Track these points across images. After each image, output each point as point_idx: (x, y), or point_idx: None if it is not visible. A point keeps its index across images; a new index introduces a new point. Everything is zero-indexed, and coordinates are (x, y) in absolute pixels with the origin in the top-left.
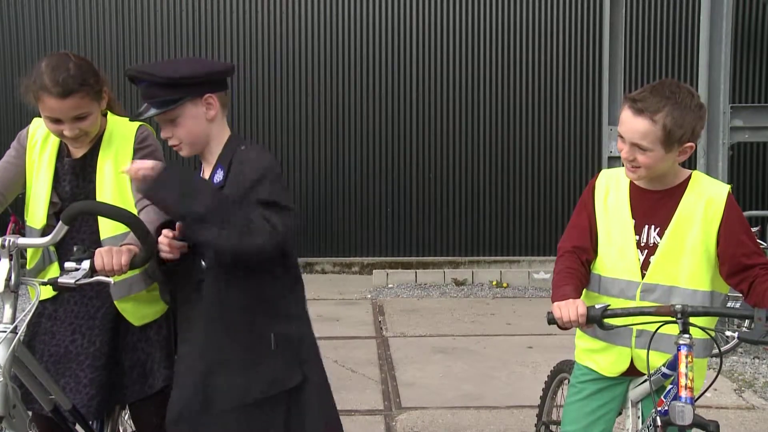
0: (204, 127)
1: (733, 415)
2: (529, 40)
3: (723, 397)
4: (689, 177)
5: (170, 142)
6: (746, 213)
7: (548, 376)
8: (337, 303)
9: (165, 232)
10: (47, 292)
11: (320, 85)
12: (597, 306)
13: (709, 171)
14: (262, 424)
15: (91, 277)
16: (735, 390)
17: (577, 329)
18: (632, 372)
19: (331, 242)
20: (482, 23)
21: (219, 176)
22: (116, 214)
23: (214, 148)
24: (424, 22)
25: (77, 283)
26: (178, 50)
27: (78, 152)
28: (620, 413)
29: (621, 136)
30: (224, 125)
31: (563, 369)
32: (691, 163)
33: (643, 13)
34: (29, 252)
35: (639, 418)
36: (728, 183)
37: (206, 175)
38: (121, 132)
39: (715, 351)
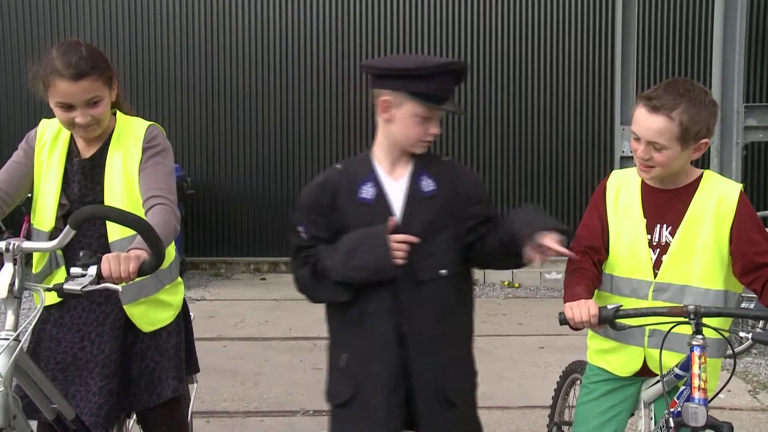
0: None
1: (747, 416)
2: (541, 40)
3: (737, 398)
4: (701, 176)
5: (434, 138)
6: (760, 213)
7: (560, 377)
8: None
9: (397, 237)
10: (52, 298)
11: (332, 86)
12: (609, 306)
13: (723, 171)
14: (469, 425)
15: (98, 283)
16: (749, 391)
17: (589, 330)
18: (645, 372)
19: None
20: (494, 22)
21: (430, 185)
22: (126, 219)
23: (397, 146)
24: (435, 20)
25: (84, 290)
26: (184, 48)
27: (87, 152)
28: (633, 414)
29: (635, 136)
30: None
31: (575, 369)
32: (704, 163)
33: (656, 12)
34: (35, 256)
35: (652, 419)
36: (741, 183)
37: (397, 175)
38: (130, 131)
39: (729, 352)
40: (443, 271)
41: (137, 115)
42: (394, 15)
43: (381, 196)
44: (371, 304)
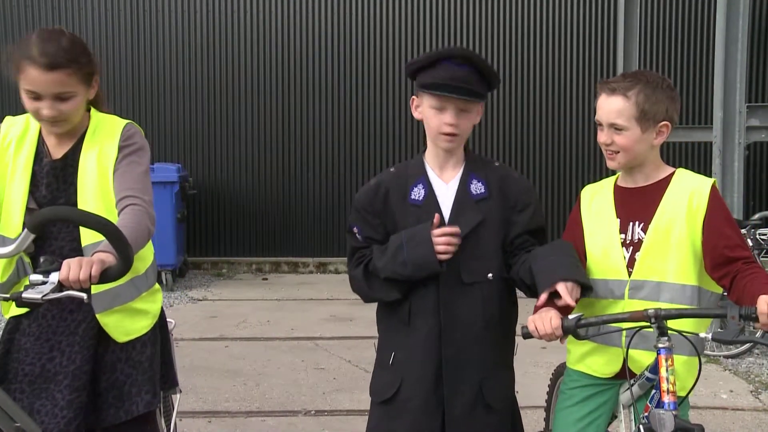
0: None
1: (749, 417)
2: (543, 39)
3: (739, 398)
4: (673, 173)
5: (452, 131)
6: (762, 213)
7: (550, 380)
8: (351, 303)
9: (437, 231)
10: (17, 308)
11: (333, 86)
12: (570, 317)
13: (725, 171)
14: (507, 427)
15: (61, 291)
16: (752, 392)
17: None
18: (624, 374)
19: (344, 242)
20: (495, 22)
21: (480, 188)
22: (89, 221)
23: (458, 151)
24: (437, 19)
25: (44, 298)
26: (186, 49)
27: (58, 152)
28: (615, 417)
29: (599, 123)
30: None
31: (563, 372)
32: (706, 163)
33: (658, 11)
34: (1, 264)
35: (632, 421)
36: (743, 183)
37: (447, 177)
38: (105, 129)
39: (734, 351)
40: (490, 275)
41: (112, 113)
42: (397, 17)
43: (430, 197)
44: (417, 303)
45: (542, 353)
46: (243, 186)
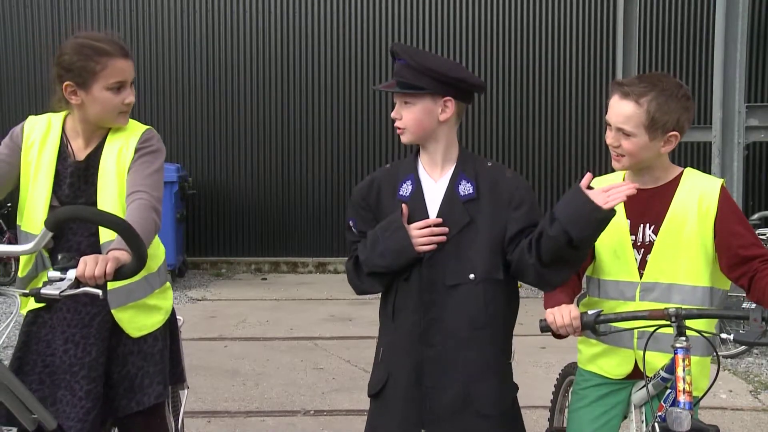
0: (433, 124)
1: (748, 416)
2: (542, 39)
3: (738, 398)
4: (681, 173)
5: (396, 123)
6: (761, 213)
7: (557, 379)
8: (350, 303)
9: (416, 224)
10: (36, 302)
11: (333, 86)
12: (590, 312)
13: (724, 170)
14: None
15: (78, 287)
16: (751, 392)
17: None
18: (637, 374)
19: (343, 242)
20: (494, 22)
21: (468, 188)
22: (104, 219)
23: (439, 149)
24: (437, 20)
25: (62, 294)
26: (186, 49)
27: (82, 153)
28: (626, 417)
29: (608, 123)
30: (454, 133)
31: (571, 372)
32: (706, 163)
33: (657, 11)
34: (22, 259)
35: (643, 422)
36: (743, 183)
37: (437, 176)
38: (125, 133)
39: (724, 351)
40: (472, 276)
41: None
42: (397, 17)
43: (417, 193)
44: (400, 299)
45: (541, 353)
46: (242, 186)
